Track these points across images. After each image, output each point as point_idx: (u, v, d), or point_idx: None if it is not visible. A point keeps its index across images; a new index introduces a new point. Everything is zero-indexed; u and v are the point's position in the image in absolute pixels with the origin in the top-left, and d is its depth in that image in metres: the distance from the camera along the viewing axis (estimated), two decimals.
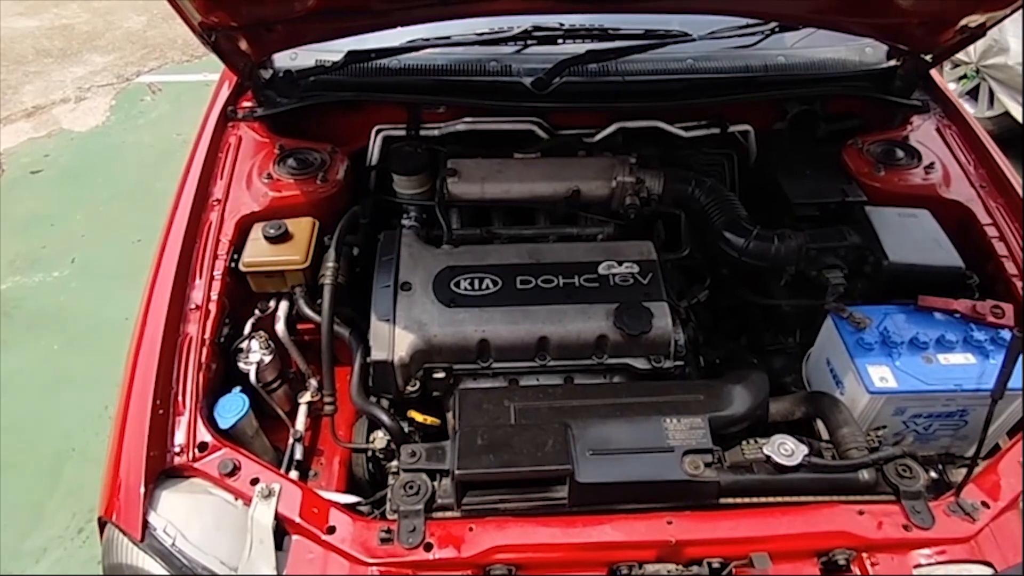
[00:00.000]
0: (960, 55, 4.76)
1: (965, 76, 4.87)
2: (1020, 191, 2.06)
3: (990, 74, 4.61)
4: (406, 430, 1.75)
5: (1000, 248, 1.97)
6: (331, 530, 1.42)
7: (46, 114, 5.35)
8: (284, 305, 1.92)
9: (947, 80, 5.00)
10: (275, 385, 1.89)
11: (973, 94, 4.87)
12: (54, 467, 2.91)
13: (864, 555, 1.42)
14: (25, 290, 3.80)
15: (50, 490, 2.84)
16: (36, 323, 3.59)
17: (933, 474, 1.69)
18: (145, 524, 1.39)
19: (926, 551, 1.42)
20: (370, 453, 1.75)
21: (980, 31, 2.03)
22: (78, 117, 5.35)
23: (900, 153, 2.20)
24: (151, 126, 5.24)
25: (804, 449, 1.52)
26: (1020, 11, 1.87)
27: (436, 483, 1.50)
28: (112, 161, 4.84)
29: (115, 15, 6.79)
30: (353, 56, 2.17)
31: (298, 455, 1.79)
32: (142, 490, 1.42)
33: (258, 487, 1.45)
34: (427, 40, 2.21)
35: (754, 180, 2.35)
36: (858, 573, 1.41)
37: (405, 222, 2.17)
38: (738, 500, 1.51)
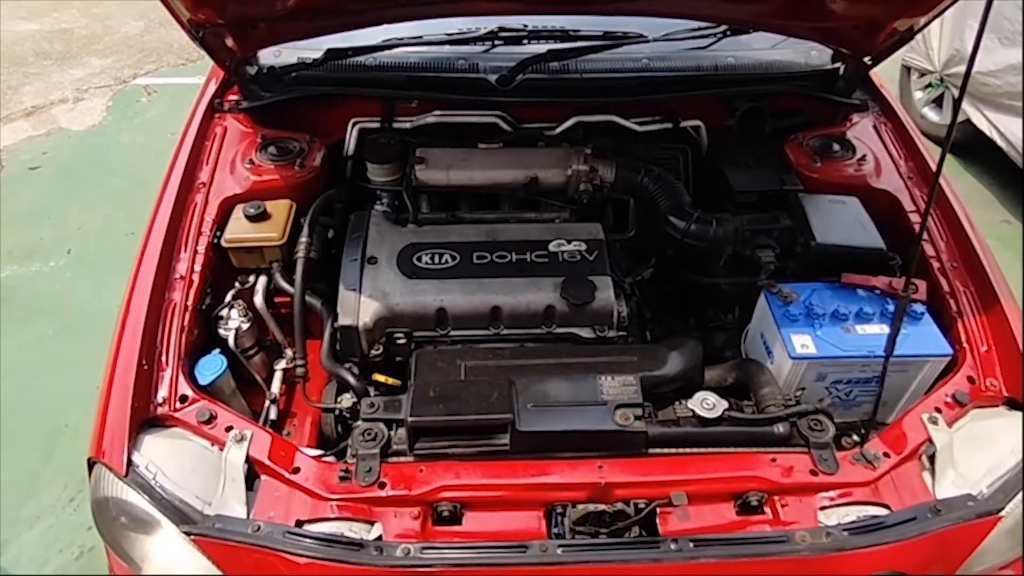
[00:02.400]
0: (926, 65, 4.94)
1: (931, 85, 5.05)
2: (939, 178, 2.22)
3: (953, 83, 4.78)
4: (372, 393, 1.88)
5: None
6: (296, 470, 1.57)
7: (45, 114, 5.52)
8: (263, 280, 2.06)
9: (914, 88, 5.18)
10: (252, 352, 2.04)
11: (939, 102, 5.05)
12: (48, 443, 3.05)
13: (775, 497, 1.57)
14: (22, 279, 3.95)
15: (43, 463, 2.97)
16: (32, 310, 3.74)
17: (856, 437, 1.85)
18: (129, 462, 1.54)
19: (830, 493, 1.58)
20: (337, 412, 1.88)
21: (909, 34, 2.20)
22: (76, 117, 5.51)
23: (836, 147, 2.36)
24: (146, 126, 5.41)
25: (724, 404, 1.68)
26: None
27: (392, 432, 1.65)
28: (108, 159, 5.01)
29: (113, 20, 6.97)
30: (332, 53, 2.34)
31: (273, 416, 1.94)
32: (127, 434, 1.57)
33: (232, 432, 1.60)
34: (401, 39, 2.37)
35: (706, 172, 2.51)
36: (769, 513, 1.57)
37: (378, 207, 2.32)
38: (665, 451, 1.66)
